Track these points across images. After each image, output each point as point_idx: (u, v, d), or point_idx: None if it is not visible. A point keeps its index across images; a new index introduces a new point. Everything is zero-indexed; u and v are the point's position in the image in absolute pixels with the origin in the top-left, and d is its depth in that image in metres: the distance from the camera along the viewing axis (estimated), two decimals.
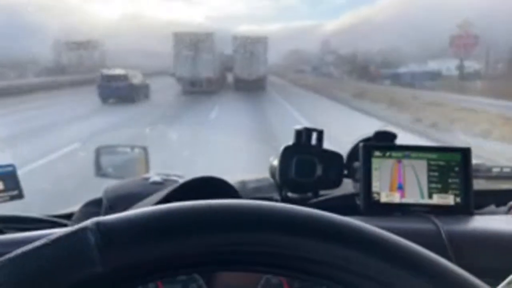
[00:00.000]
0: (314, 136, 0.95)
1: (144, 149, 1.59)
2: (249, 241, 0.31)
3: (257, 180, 1.13)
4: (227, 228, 0.31)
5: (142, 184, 0.91)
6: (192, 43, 20.23)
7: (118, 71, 16.62)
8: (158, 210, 0.31)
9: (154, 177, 0.93)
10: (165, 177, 0.95)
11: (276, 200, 0.99)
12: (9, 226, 0.79)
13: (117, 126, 10.59)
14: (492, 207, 0.97)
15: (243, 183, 1.09)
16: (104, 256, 0.29)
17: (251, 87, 21.77)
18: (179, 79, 20.20)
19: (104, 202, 0.86)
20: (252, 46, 24.24)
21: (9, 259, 0.28)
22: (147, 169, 1.56)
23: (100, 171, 1.55)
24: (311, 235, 0.31)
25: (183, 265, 0.31)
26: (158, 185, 0.91)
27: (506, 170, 1.16)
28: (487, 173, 1.11)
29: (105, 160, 1.55)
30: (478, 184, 0.97)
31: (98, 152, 1.55)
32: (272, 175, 1.03)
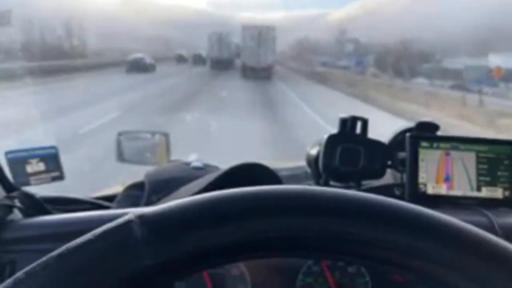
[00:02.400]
0: (359, 124, 0.97)
1: (165, 135, 1.62)
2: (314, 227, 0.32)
3: (292, 168, 1.15)
4: (277, 214, 0.32)
5: (183, 169, 0.94)
6: (218, 38, 31.60)
7: (200, 52, 39.67)
8: (201, 199, 0.32)
9: (194, 162, 0.96)
10: (204, 162, 0.97)
11: None
12: (55, 207, 0.82)
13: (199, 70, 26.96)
14: None
15: (276, 171, 1.12)
16: (151, 249, 0.29)
17: (258, 75, 24.80)
18: (210, 59, 32.61)
19: (147, 186, 0.89)
20: (260, 35, 27.34)
21: (54, 257, 0.28)
22: (168, 156, 1.60)
23: (121, 156, 1.59)
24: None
25: (231, 253, 0.32)
26: (200, 170, 0.94)
27: None
28: None
29: (126, 145, 1.59)
30: None
31: (120, 137, 1.58)
32: (309, 163, 1.05)
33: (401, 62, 31.86)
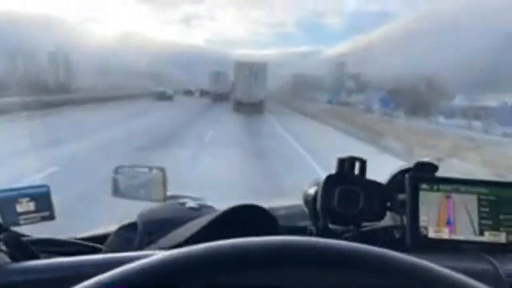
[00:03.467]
0: (357, 165, 0.97)
1: (162, 170, 1.61)
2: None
3: (288, 207, 1.13)
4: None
5: (178, 209, 0.92)
6: (217, 75, 39.29)
7: (204, 88, 47.98)
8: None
9: (189, 202, 0.94)
10: (200, 203, 0.96)
11: (311, 231, 1.00)
12: (44, 250, 0.80)
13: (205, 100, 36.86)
14: None
15: (273, 210, 1.10)
16: None
17: (250, 110, 26.48)
18: (211, 93, 40.94)
19: (140, 227, 0.87)
20: (252, 71, 29.14)
21: None
22: (164, 191, 1.59)
23: (116, 191, 1.58)
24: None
25: None
26: (195, 211, 0.92)
27: None
28: None
29: (122, 179, 1.58)
30: None
31: (116, 172, 1.57)
32: (306, 203, 1.04)
33: (420, 100, 28.23)
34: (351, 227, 0.96)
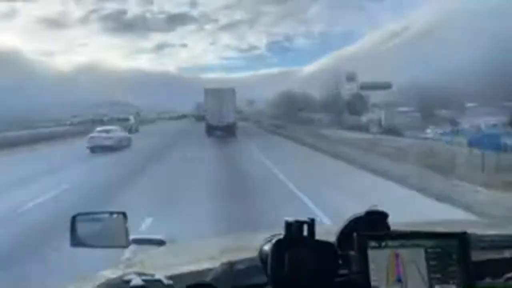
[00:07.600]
0: (305, 227, 1.01)
1: (124, 214, 1.63)
2: None
3: (246, 261, 1.15)
4: None
5: None
6: (198, 104, 49.37)
7: (194, 113, 62.53)
8: None
9: (135, 279, 0.96)
10: (146, 278, 0.98)
11: None
12: None
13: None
14: (489, 280, 1.04)
15: (231, 265, 1.13)
16: None
17: (222, 134, 30.10)
18: (194, 116, 57.64)
19: None
20: (220, 97, 32.39)
21: None
22: (126, 236, 1.61)
23: (75, 241, 1.58)
24: None
25: None
26: None
27: (496, 239, 1.27)
28: (478, 244, 1.17)
29: (82, 227, 1.59)
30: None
31: (74, 220, 1.57)
32: (262, 260, 1.05)
33: None
34: None
